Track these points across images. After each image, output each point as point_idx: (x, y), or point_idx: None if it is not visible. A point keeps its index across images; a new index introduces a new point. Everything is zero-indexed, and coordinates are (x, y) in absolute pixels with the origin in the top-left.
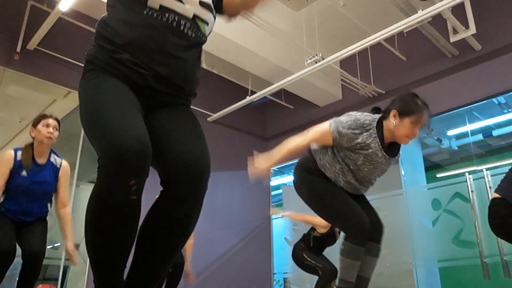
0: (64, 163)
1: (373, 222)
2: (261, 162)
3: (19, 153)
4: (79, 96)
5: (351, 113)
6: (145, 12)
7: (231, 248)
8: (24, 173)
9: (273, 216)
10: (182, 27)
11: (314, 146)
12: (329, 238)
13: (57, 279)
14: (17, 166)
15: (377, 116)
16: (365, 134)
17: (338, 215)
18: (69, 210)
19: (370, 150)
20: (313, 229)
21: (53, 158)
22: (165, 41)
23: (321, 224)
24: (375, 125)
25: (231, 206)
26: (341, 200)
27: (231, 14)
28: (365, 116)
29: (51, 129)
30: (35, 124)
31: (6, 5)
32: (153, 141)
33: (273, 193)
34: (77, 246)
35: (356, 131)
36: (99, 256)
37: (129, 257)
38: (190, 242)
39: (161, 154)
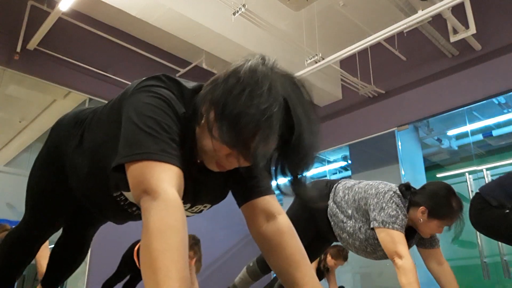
0: None
1: None
2: None
3: None
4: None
5: (386, 195)
6: None
7: (231, 248)
8: None
9: None
10: None
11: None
12: None
13: None
14: None
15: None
16: (402, 216)
17: None
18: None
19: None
20: None
21: None
22: None
23: None
24: (405, 212)
25: (231, 206)
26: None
27: None
28: (398, 199)
29: None
30: None
31: (6, 5)
32: None
33: None
34: None
35: (403, 217)
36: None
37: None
38: None
39: None
